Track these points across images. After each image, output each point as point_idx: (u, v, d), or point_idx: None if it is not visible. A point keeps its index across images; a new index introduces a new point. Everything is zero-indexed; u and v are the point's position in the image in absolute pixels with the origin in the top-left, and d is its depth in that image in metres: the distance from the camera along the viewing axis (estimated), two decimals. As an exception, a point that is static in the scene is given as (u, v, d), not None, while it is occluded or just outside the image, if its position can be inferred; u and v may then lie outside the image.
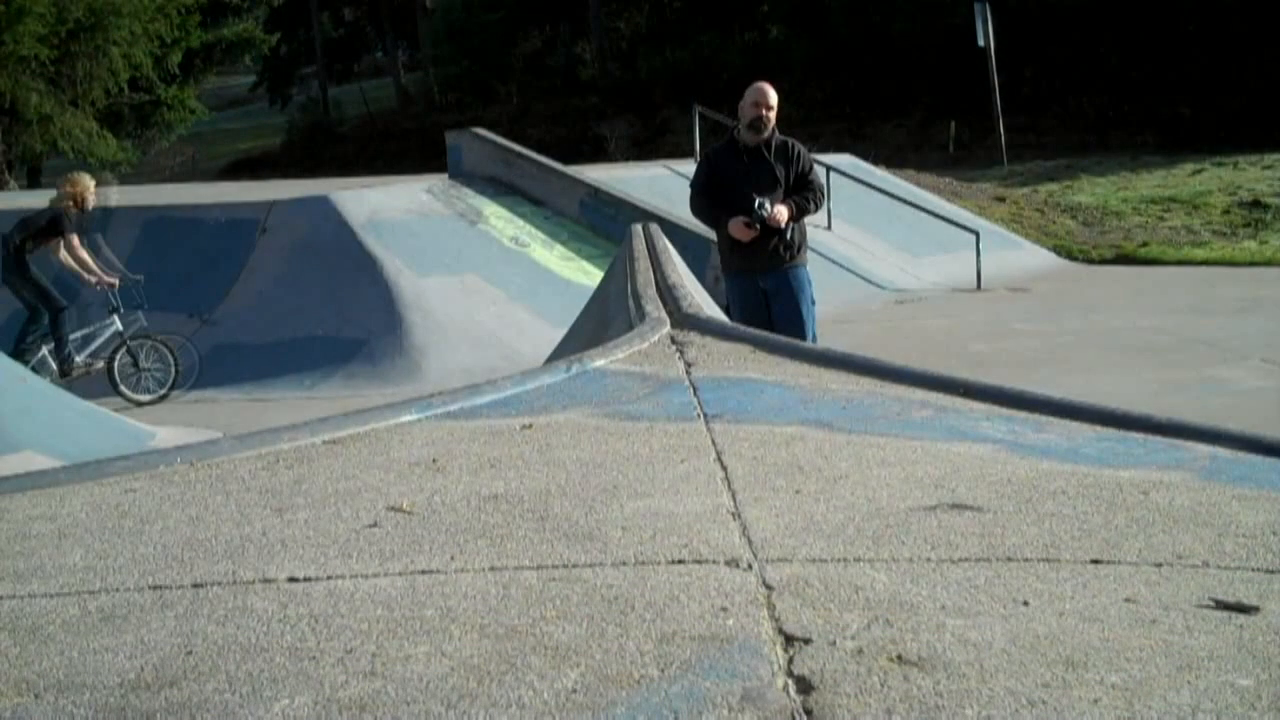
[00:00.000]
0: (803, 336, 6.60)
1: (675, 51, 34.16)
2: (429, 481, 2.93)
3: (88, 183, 10.21)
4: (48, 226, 10.19)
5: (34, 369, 9.83)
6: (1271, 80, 24.24)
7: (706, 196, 6.90)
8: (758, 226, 6.64)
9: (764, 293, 6.84)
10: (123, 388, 10.17)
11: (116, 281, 10.34)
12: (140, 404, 10.04)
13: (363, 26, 47.01)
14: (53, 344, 10.12)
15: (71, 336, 10.19)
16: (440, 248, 12.07)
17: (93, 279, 10.20)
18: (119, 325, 10.27)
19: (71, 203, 10.20)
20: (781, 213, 6.69)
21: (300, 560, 2.40)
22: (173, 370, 10.32)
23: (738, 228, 6.68)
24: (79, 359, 10.22)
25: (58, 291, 10.21)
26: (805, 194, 6.86)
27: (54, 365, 10.11)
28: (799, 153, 6.93)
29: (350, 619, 2.09)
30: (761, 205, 6.61)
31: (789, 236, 6.80)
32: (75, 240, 10.15)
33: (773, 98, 6.85)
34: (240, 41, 34.75)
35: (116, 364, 10.20)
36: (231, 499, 2.84)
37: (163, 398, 10.19)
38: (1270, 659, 1.91)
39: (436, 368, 10.20)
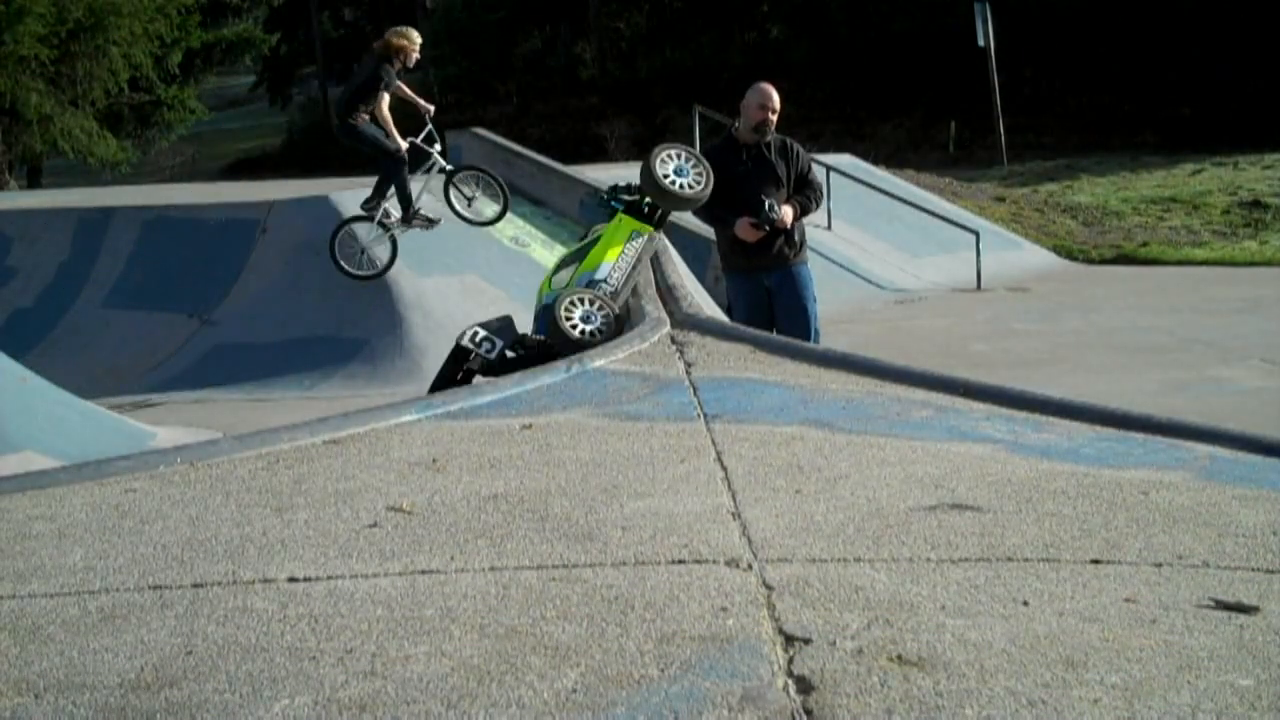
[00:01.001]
0: (806, 333, 6.61)
1: (675, 51, 34.11)
2: (429, 481, 2.93)
3: (416, 38, 9.57)
4: (368, 83, 9.58)
5: (381, 224, 9.86)
6: (1271, 80, 24.23)
7: (707, 194, 6.89)
8: (766, 228, 6.65)
9: (767, 290, 6.85)
10: (467, 214, 10.25)
11: (421, 137, 9.91)
12: (489, 222, 10.47)
13: (363, 26, 46.92)
14: (393, 192, 9.87)
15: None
16: (440, 248, 12.05)
17: (402, 143, 9.70)
18: (441, 162, 10.10)
19: (396, 54, 9.49)
20: (787, 213, 6.72)
21: (300, 560, 2.40)
22: (499, 191, 10.30)
23: (745, 229, 6.68)
24: (416, 207, 10.06)
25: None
26: (806, 193, 6.89)
27: (396, 214, 9.93)
28: (798, 152, 6.96)
29: (350, 619, 2.09)
30: (771, 208, 6.63)
31: (793, 235, 6.83)
32: (386, 101, 9.56)
33: (777, 100, 6.87)
34: (240, 41, 34.71)
35: (453, 200, 10.11)
36: (231, 499, 2.84)
37: (501, 214, 10.38)
38: (1270, 659, 1.91)
39: (436, 368, 10.18)
